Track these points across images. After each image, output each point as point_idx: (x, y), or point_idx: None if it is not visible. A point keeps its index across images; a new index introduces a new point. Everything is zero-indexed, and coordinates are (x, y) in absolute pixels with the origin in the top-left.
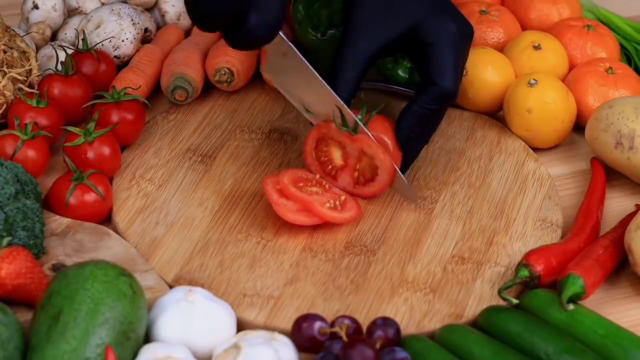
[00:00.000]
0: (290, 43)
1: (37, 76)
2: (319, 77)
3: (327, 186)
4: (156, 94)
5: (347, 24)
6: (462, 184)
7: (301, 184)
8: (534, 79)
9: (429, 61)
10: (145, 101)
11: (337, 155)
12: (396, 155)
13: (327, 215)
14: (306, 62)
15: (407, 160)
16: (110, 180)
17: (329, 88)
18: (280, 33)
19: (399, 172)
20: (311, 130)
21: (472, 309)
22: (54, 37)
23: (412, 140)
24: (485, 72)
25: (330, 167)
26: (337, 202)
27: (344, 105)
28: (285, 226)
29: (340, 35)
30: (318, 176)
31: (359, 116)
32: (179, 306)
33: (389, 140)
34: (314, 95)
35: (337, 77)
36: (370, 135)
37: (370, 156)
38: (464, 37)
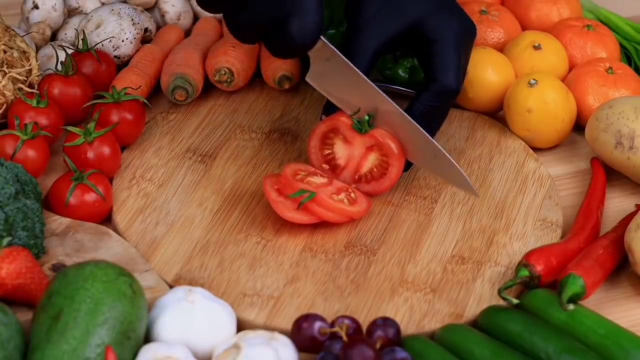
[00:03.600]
0: (333, 47)
1: (37, 76)
2: (365, 78)
3: (330, 179)
4: (156, 94)
5: (352, 20)
6: None
7: (301, 175)
8: (534, 79)
9: (432, 58)
10: (145, 101)
11: (341, 152)
12: (400, 157)
13: (341, 208)
14: (351, 64)
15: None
16: (110, 180)
17: (376, 88)
18: (322, 37)
19: (456, 164)
20: (318, 124)
21: (472, 309)
22: (54, 37)
23: None
24: (485, 72)
25: (334, 163)
26: (351, 196)
27: (392, 103)
28: (285, 226)
29: (345, 32)
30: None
31: (365, 117)
32: (179, 306)
33: (393, 144)
34: (361, 96)
35: None
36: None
37: (384, 150)
38: (467, 35)
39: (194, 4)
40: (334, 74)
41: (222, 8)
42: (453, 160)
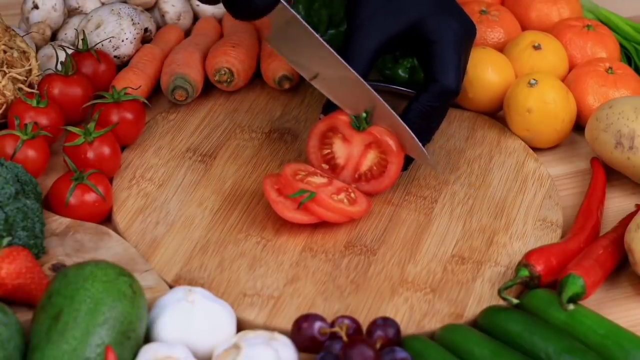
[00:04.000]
0: (293, 11)
1: (37, 76)
2: (324, 43)
3: (330, 179)
4: (156, 94)
5: (352, 20)
6: (462, 184)
7: (301, 175)
8: (534, 79)
9: (431, 58)
10: (145, 101)
11: (340, 151)
12: (399, 154)
13: (341, 208)
14: (310, 29)
15: (408, 158)
16: (110, 180)
17: (335, 53)
18: (282, 1)
19: (417, 140)
20: (317, 124)
21: (472, 309)
22: (54, 37)
23: None
24: (485, 72)
25: (333, 162)
26: (351, 196)
27: (349, 68)
28: (285, 226)
29: (345, 31)
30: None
31: (363, 115)
32: (179, 306)
33: (391, 141)
34: (321, 61)
35: None
36: (390, 110)
37: (383, 147)
38: (467, 35)
39: (194, 4)
40: (293, 38)
41: None
42: (392, 112)
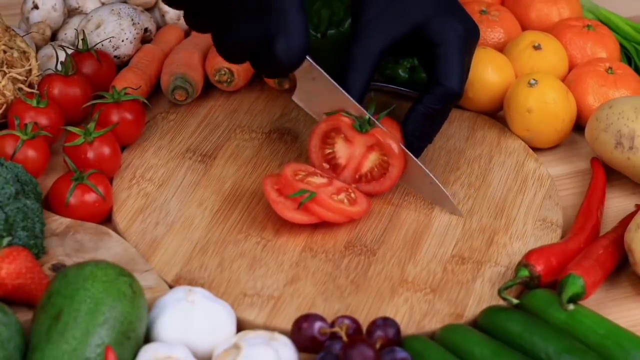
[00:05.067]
0: (318, 67)
1: (37, 76)
2: (350, 99)
3: (330, 179)
4: (156, 94)
5: (355, 23)
6: (462, 184)
7: (301, 175)
8: (534, 79)
9: (435, 61)
10: (145, 101)
11: (342, 151)
12: (401, 157)
13: (341, 208)
14: (336, 84)
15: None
16: (110, 180)
17: (362, 108)
18: (308, 58)
19: (440, 185)
20: (319, 123)
21: (472, 309)
22: (54, 37)
23: (416, 140)
24: (485, 72)
25: (334, 162)
26: (351, 196)
27: (377, 123)
28: (285, 226)
29: (349, 35)
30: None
31: (366, 117)
32: (179, 306)
33: (394, 144)
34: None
35: (348, 76)
36: (387, 132)
37: (385, 150)
38: (471, 38)
39: None
40: (320, 94)
41: (208, 29)
42: (440, 184)
